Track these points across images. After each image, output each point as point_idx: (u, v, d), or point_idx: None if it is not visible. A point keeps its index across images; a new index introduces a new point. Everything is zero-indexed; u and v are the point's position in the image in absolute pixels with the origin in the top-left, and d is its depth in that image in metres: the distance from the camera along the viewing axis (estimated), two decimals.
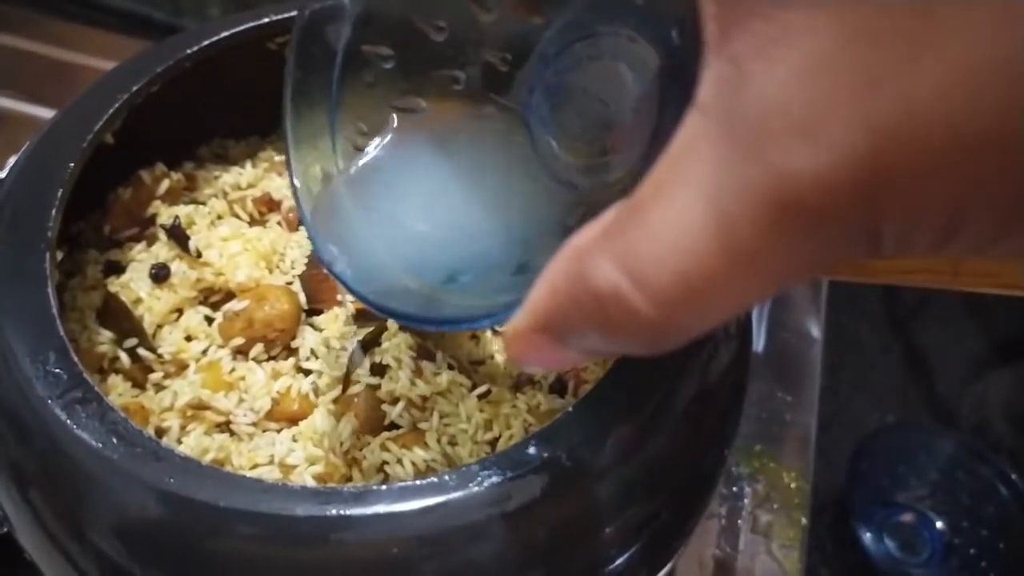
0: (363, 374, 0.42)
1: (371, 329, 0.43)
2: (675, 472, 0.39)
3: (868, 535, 0.77)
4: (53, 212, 0.38)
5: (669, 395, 0.38)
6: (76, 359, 0.34)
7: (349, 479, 0.40)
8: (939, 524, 0.80)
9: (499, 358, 0.51)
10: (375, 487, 0.31)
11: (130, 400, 0.41)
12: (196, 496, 0.30)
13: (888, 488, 0.82)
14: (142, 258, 0.47)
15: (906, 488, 0.82)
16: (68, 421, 0.32)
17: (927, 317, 0.94)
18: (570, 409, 0.35)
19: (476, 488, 0.31)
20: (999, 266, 0.31)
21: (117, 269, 0.48)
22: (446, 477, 0.31)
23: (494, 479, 0.32)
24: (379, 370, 0.42)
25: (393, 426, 0.42)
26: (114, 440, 0.32)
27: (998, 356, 0.97)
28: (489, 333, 0.51)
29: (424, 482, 0.32)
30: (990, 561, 0.77)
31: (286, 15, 0.50)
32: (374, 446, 0.40)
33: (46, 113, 0.84)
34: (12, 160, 0.43)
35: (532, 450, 0.33)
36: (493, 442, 0.42)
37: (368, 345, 0.43)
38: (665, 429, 0.37)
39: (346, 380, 0.42)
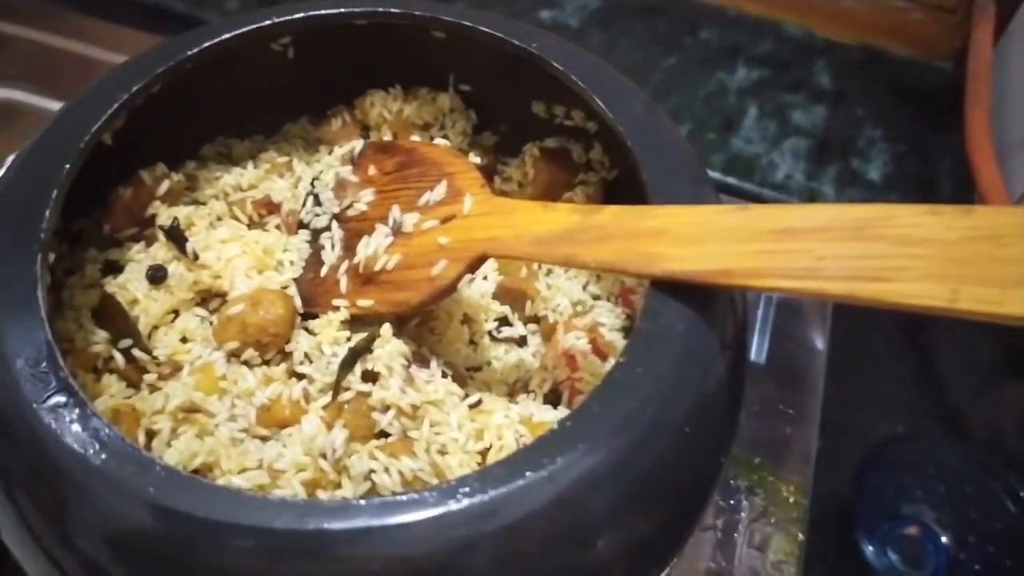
0: (354, 381, 0.42)
1: (364, 335, 0.43)
2: (668, 485, 0.38)
3: (871, 547, 0.76)
4: (47, 214, 0.38)
5: (663, 407, 0.37)
6: (63, 363, 0.34)
7: (338, 486, 0.40)
8: (944, 538, 0.79)
9: (496, 364, 0.50)
10: (355, 501, 0.31)
11: (122, 402, 0.41)
12: (175, 506, 0.30)
13: (894, 500, 0.80)
14: (140, 258, 0.47)
15: (912, 500, 0.81)
16: (53, 425, 0.32)
17: (938, 326, 0.93)
18: (556, 424, 0.34)
19: (456, 505, 0.31)
20: (999, 293, 0.30)
21: (116, 268, 0.48)
22: (427, 493, 0.31)
23: (476, 495, 0.32)
24: (371, 377, 0.42)
25: (384, 434, 0.41)
26: (97, 447, 0.32)
27: (1012, 367, 0.95)
28: (487, 339, 0.51)
29: (406, 497, 0.31)
30: None
31: (289, 16, 0.50)
32: (362, 454, 0.39)
33: None
34: (10, 159, 0.43)
35: (518, 466, 0.33)
36: (484, 452, 0.42)
37: (360, 351, 0.42)
38: (658, 442, 0.37)
39: (336, 387, 0.42)
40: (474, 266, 0.42)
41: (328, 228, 0.49)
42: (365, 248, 0.45)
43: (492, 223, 0.42)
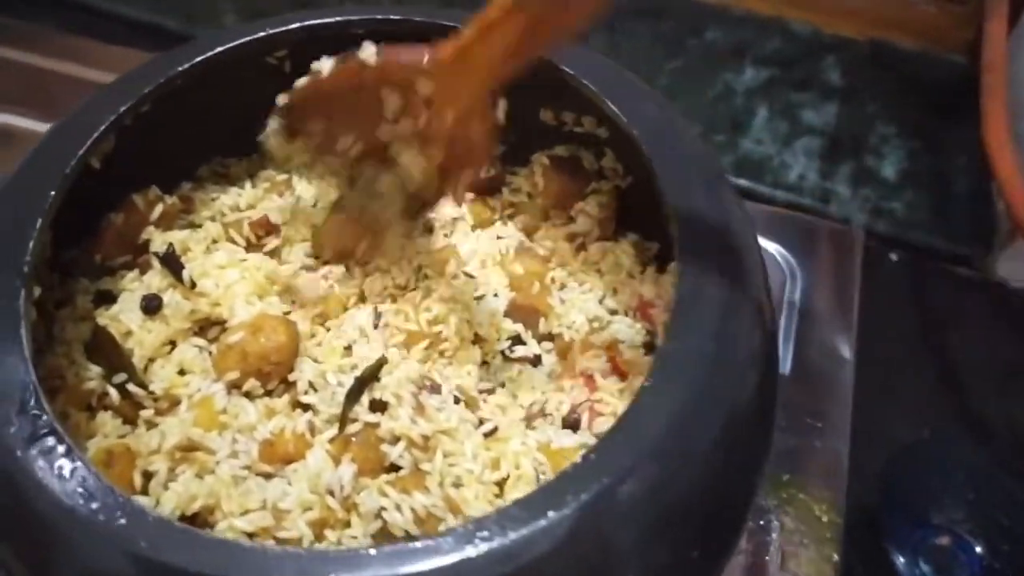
0: (361, 411, 0.39)
1: (371, 363, 0.41)
2: (701, 514, 0.36)
3: (902, 559, 0.73)
4: (31, 245, 0.36)
5: (692, 433, 0.35)
6: (48, 406, 0.32)
7: (347, 525, 0.37)
8: (978, 548, 0.76)
9: (510, 386, 0.48)
10: (363, 551, 0.28)
11: (115, 442, 0.39)
12: (169, 560, 0.28)
13: (923, 509, 0.77)
14: (134, 287, 0.45)
15: (942, 509, 0.78)
16: (38, 474, 0.30)
17: (960, 327, 0.90)
18: (579, 459, 0.32)
19: (474, 550, 0.29)
20: None
21: (109, 298, 0.45)
22: (442, 539, 0.29)
23: (496, 539, 0.29)
24: (379, 407, 0.40)
25: (395, 467, 0.39)
26: (85, 496, 0.30)
27: None
28: (500, 359, 0.49)
29: (420, 544, 0.29)
30: None
31: (284, 28, 0.48)
32: (372, 490, 0.37)
33: None
34: None
35: (539, 504, 0.31)
36: (501, 483, 0.39)
37: (367, 380, 0.40)
38: (688, 470, 0.34)
39: (343, 418, 0.39)
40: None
41: None
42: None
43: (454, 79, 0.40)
